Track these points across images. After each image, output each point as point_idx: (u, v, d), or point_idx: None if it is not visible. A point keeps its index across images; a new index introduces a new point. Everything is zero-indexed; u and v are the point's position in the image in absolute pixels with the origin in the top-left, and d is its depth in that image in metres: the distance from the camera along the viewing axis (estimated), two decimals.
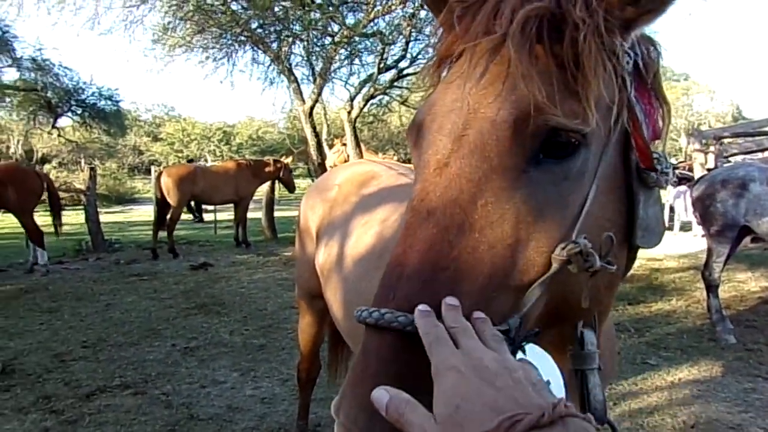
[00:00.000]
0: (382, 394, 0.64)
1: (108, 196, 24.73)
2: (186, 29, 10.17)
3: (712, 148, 10.21)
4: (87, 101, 15.14)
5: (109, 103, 15.53)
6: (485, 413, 0.57)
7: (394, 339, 0.69)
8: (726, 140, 10.92)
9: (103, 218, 12.04)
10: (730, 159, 10.51)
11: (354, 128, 11.67)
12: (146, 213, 17.64)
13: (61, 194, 20.60)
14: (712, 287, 5.13)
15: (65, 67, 14.95)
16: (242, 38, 10.59)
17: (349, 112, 11.58)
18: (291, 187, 12.35)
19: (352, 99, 12.06)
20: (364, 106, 12.66)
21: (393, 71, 12.78)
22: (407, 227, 0.75)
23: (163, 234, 10.24)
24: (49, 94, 14.41)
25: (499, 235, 0.73)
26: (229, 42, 10.79)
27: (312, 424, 3.39)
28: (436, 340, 0.67)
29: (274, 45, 10.78)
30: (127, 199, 27.18)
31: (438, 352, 0.66)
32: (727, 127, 16.65)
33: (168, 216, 10.20)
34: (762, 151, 10.82)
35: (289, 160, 12.20)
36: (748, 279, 7.02)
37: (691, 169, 11.09)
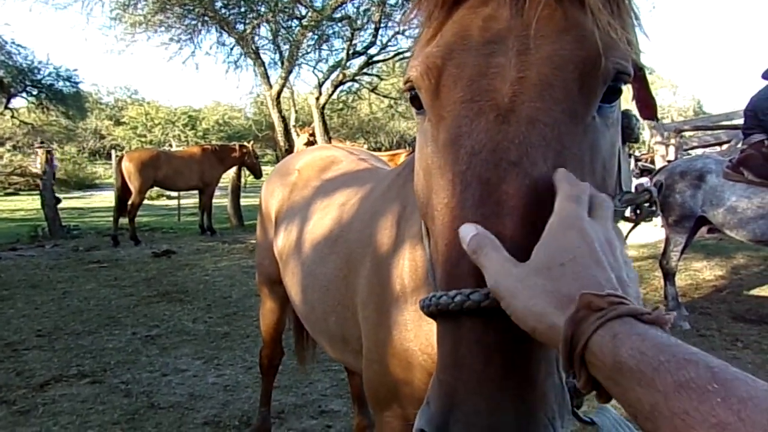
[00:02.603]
0: (469, 229, 0.61)
1: (67, 181, 23.91)
2: (147, 7, 9.83)
3: (672, 141, 10.51)
4: (43, 82, 14.52)
5: (68, 84, 14.95)
6: (593, 282, 0.53)
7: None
8: (686, 134, 11.24)
9: (62, 204, 11.63)
10: (690, 152, 10.84)
11: (322, 114, 11.57)
12: (107, 199, 17.14)
13: (16, 179, 19.83)
14: (669, 275, 5.30)
15: (18, 45, 14.27)
16: (206, 18, 10.32)
17: (318, 98, 11.46)
18: (257, 173, 12.15)
19: (320, 85, 11.94)
20: (333, 92, 12.56)
21: (362, 58, 12.70)
22: (484, 183, 0.64)
23: (124, 220, 9.97)
24: (1, 73, 13.76)
25: (577, 184, 0.67)
26: (194, 22, 10.50)
27: (275, 411, 3.36)
28: (576, 198, 0.61)
29: (240, 26, 10.55)
30: (87, 184, 26.34)
31: (570, 207, 0.60)
32: (688, 120, 17.17)
33: (129, 202, 9.92)
34: (720, 144, 11.18)
35: (250, 144, 11.92)
36: (703, 268, 7.27)
37: (653, 161, 11.41)
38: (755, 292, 6.17)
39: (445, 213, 0.68)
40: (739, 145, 5.54)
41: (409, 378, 1.25)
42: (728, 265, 7.33)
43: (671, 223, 5.28)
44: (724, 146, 10.75)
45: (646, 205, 0.83)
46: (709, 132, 11.31)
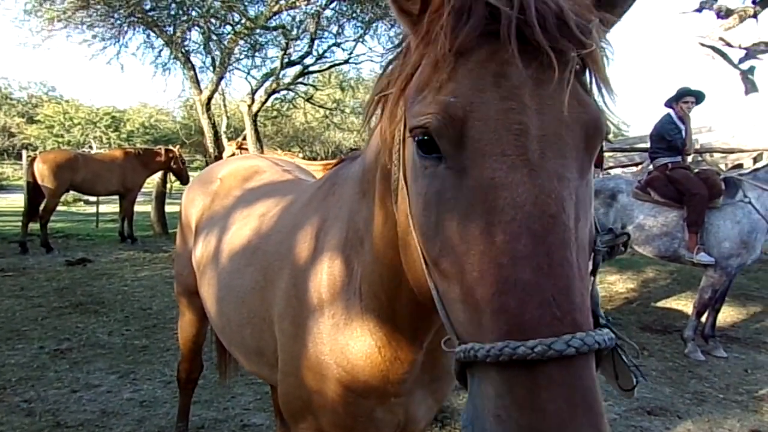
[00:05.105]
0: None
1: None
2: (67, 2, 9.27)
3: None
4: None
5: None
6: None
7: (589, 361, 0.67)
8: (604, 154, 11.93)
9: None
10: (609, 171, 11.53)
11: (255, 122, 11.37)
12: (15, 202, 15.93)
13: None
14: None
15: None
16: (133, 19, 9.88)
17: (250, 106, 11.27)
18: (184, 179, 11.64)
19: (253, 92, 11.74)
20: (266, 100, 12.39)
21: (298, 67, 12.63)
22: (532, 235, 0.70)
23: (35, 226, 9.28)
24: None
25: (587, 232, 0.77)
26: (119, 22, 10.02)
27: (195, 426, 3.25)
28: None
29: (170, 29, 10.19)
30: None
31: None
32: (606, 142, 18.27)
33: (42, 206, 9.26)
34: (635, 165, 11.96)
35: (177, 149, 11.40)
36: (617, 281, 7.75)
37: None
38: (661, 303, 6.66)
39: (488, 261, 0.71)
40: (650, 167, 5.97)
41: (323, 390, 1.26)
42: (639, 279, 7.87)
43: None
44: (640, 167, 11.52)
45: (621, 246, 0.96)
46: (625, 153, 12.09)
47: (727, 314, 6.01)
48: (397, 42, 1.05)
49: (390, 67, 1.03)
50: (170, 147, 11.50)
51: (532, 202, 0.71)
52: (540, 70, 0.76)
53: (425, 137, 0.80)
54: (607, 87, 0.81)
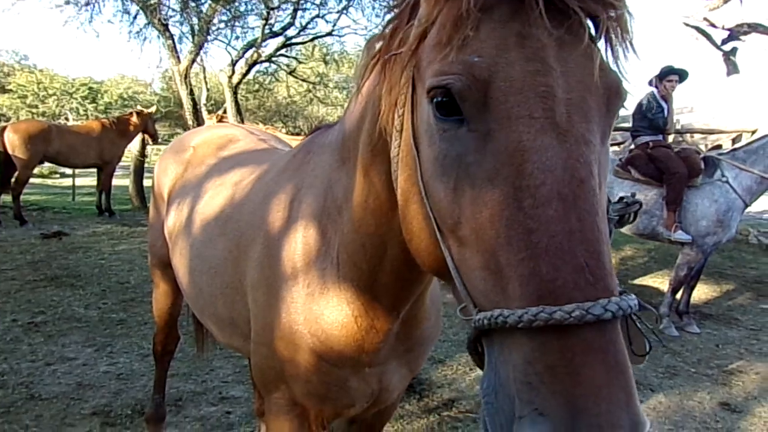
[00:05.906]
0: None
1: None
2: None
3: None
4: None
5: None
6: None
7: (618, 325, 0.67)
8: None
9: None
10: None
11: (235, 94, 11.15)
12: None
13: None
14: None
15: None
16: None
17: (230, 77, 11.02)
18: (155, 138, 11.45)
19: (233, 63, 11.48)
20: (248, 71, 12.14)
21: (280, 39, 12.38)
22: (563, 199, 0.68)
23: (7, 198, 9.05)
24: None
25: (604, 199, 0.75)
26: None
27: (173, 399, 3.24)
28: None
29: None
30: None
31: None
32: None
33: (13, 178, 9.01)
34: (618, 144, 12.08)
35: (152, 109, 11.09)
36: None
37: None
38: (639, 281, 6.78)
39: (516, 226, 0.68)
40: (632, 146, 6.01)
41: (296, 359, 1.25)
42: (618, 257, 7.98)
43: None
44: (621, 146, 11.62)
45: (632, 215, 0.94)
46: None
47: (702, 291, 6.14)
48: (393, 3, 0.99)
49: (390, 26, 0.97)
50: (140, 108, 11.16)
51: (562, 166, 0.69)
52: (565, 32, 0.74)
53: (444, 99, 0.76)
54: (633, 51, 0.79)
